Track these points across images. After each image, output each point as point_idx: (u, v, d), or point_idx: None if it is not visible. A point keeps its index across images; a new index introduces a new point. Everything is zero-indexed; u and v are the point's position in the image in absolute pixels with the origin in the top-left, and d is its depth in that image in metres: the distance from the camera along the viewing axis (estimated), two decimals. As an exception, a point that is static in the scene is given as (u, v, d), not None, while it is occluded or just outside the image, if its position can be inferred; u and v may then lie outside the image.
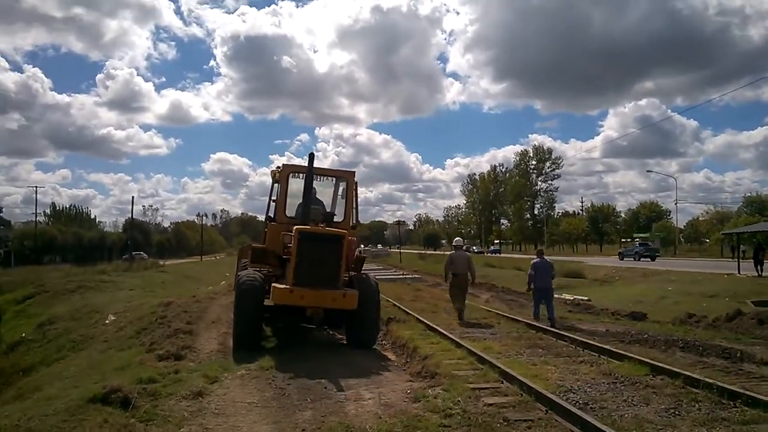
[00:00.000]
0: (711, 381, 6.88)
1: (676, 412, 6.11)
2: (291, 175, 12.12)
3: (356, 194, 12.34)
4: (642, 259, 48.69)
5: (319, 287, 9.99)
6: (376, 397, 7.28)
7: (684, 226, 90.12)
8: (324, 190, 12.98)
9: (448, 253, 16.97)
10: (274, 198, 12.32)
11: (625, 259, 50.82)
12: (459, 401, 6.57)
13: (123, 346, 11.32)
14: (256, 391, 7.63)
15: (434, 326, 11.65)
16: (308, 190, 11.33)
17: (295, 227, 10.56)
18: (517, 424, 5.80)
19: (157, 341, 11.00)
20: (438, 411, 6.31)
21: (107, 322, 14.73)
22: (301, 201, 11.71)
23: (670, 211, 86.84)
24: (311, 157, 11.19)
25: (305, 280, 10.02)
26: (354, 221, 12.37)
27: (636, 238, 75.16)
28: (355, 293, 10.17)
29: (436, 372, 8.17)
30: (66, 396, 7.42)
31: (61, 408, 6.64)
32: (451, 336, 10.41)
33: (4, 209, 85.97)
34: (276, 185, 12.37)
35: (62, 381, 9.33)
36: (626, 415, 6.03)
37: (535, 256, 14.74)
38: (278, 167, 12.44)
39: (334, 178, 12.91)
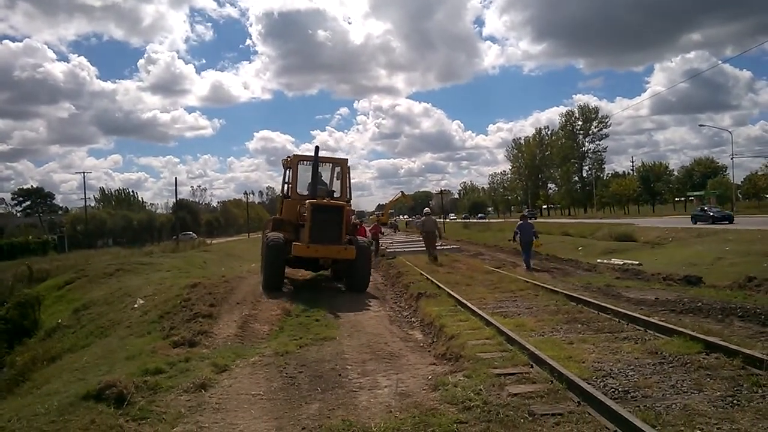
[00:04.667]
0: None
1: (735, 401, 5.17)
2: (300, 162, 15.68)
3: (349, 176, 16.23)
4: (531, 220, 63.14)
5: (327, 243, 13.58)
6: (393, 385, 6.69)
7: (741, 182, 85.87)
8: (324, 173, 16.48)
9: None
10: (287, 181, 15.91)
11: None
12: (481, 390, 5.86)
13: (143, 332, 10.97)
14: (264, 381, 7.13)
15: (464, 301, 10.89)
16: (315, 173, 15.12)
17: (308, 201, 14.05)
18: (543, 419, 5.01)
19: (177, 326, 10.64)
20: (456, 402, 5.64)
21: (135, 306, 14.52)
22: (308, 182, 15.38)
23: (726, 167, 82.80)
24: (317, 149, 14.81)
25: (317, 238, 13.54)
26: (348, 196, 15.97)
27: (690, 197, 72.24)
28: (353, 247, 13.79)
29: (460, 354, 7.49)
30: (66, 391, 7.01)
31: (53, 406, 6.22)
32: (481, 313, 9.62)
33: (62, 196, 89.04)
34: (288, 171, 15.90)
35: (71, 373, 9.01)
36: (674, 406, 5.13)
37: (520, 220, 19.47)
38: (288, 157, 16.05)
39: (331, 164, 16.63)
